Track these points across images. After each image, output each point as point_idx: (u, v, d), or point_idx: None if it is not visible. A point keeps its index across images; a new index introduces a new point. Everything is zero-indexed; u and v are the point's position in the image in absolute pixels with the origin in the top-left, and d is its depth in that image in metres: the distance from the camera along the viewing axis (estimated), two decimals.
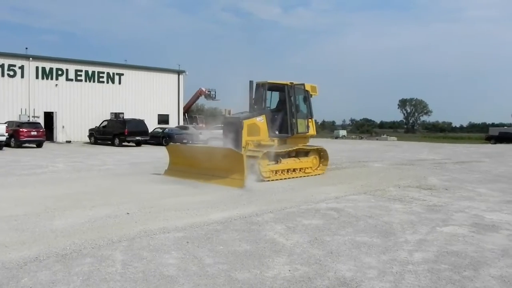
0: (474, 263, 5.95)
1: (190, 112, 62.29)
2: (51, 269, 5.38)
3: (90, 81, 41.60)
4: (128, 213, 8.63)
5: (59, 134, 39.02)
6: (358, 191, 12.21)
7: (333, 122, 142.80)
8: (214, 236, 7.04)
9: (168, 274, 5.30)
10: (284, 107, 16.21)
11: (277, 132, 15.96)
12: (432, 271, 5.60)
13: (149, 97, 45.51)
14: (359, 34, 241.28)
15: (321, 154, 16.92)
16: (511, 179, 15.93)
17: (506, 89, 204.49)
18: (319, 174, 16.27)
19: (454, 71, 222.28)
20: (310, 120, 17.06)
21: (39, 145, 30.72)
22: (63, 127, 39.25)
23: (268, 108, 16.28)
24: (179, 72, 48.46)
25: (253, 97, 15.91)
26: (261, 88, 16.11)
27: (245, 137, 14.68)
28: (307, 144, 17.18)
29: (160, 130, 37.33)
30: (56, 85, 39.29)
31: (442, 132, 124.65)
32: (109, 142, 34.42)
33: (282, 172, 14.95)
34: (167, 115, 47.17)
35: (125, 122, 34.28)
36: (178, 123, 47.02)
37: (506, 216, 9.13)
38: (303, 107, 16.91)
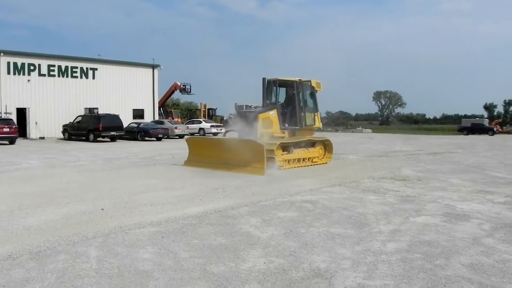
0: (445, 252, 6.07)
1: (165, 106, 62.06)
2: (24, 267, 5.33)
3: (63, 76, 40.99)
4: (103, 209, 8.58)
5: (32, 130, 38.39)
6: (333, 183, 12.33)
7: None
8: (189, 230, 7.04)
9: (143, 269, 5.30)
10: (293, 101, 17.38)
11: (286, 125, 17.15)
12: (405, 260, 5.70)
13: (124, 92, 45.07)
14: (334, 27, 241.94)
15: (326, 145, 18.34)
16: (482, 169, 16.23)
17: (478, 81, 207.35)
18: (325, 163, 17.63)
19: (428, 63, 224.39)
20: (316, 113, 18.41)
21: (11, 141, 30.21)
22: (36, 123, 38.63)
23: (279, 103, 17.41)
24: (153, 67, 48.06)
25: (267, 92, 17.14)
26: (272, 84, 17.33)
27: (260, 129, 15.80)
28: (313, 135, 18.50)
29: (135, 125, 37.10)
30: (29, 80, 38.64)
31: (416, 123, 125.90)
32: (84, 138, 34.08)
33: (293, 161, 16.40)
34: (142, 110, 46.80)
35: (99, 117, 33.93)
36: (154, 117, 46.72)
37: (476, 206, 9.31)
38: (310, 102, 18.14)
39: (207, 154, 15.95)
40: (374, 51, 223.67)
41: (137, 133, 35.73)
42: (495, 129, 64.15)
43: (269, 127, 16.29)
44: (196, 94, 57.91)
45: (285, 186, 11.68)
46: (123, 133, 34.54)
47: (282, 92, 17.90)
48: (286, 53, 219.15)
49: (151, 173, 14.20)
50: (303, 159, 16.92)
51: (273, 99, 17.38)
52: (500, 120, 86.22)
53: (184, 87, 57.43)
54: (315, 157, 17.54)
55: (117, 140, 34.29)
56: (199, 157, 16.16)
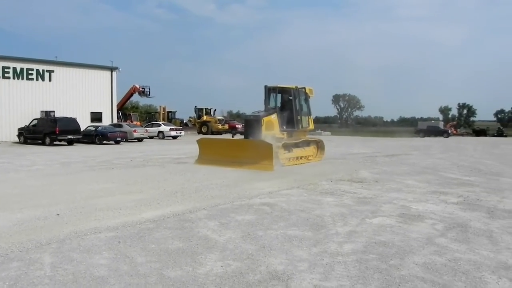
0: (400, 252, 6.20)
1: (124, 109, 61.41)
2: None
3: (18, 79, 39.93)
4: (58, 214, 8.42)
5: None
6: (291, 185, 12.39)
7: None
8: (146, 235, 6.98)
9: (98, 275, 5.23)
10: (289, 106, 19.54)
11: (284, 127, 19.17)
12: (361, 261, 5.79)
13: (81, 95, 44.26)
14: (293, 31, 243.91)
15: (319, 145, 20.64)
16: (437, 170, 16.61)
17: (433, 85, 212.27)
18: (318, 161, 19.75)
19: (385, 67, 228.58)
20: (309, 117, 20.70)
21: None
22: None
23: (278, 107, 19.33)
24: (112, 69, 47.39)
25: (267, 98, 19.30)
26: (272, 91, 19.46)
27: (263, 131, 17.80)
28: (307, 136, 20.78)
29: (93, 128, 36.44)
30: None
31: (374, 126, 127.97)
32: (40, 142, 33.28)
33: (293, 159, 18.46)
34: (100, 113, 46.04)
35: (56, 120, 33.18)
36: (112, 120, 46.06)
37: (431, 206, 9.53)
38: (304, 106, 20.35)
39: (217, 153, 17.84)
40: (332, 54, 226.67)
41: (95, 137, 35.11)
42: (449, 131, 65.83)
43: (271, 129, 18.26)
44: (156, 97, 57.85)
45: (243, 189, 11.68)
46: (80, 136, 33.88)
47: (279, 97, 19.77)
48: (246, 56, 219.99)
49: (108, 177, 14.00)
50: (301, 157, 19.03)
51: (273, 104, 19.36)
52: (455, 122, 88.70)
53: (143, 89, 57.07)
54: (310, 156, 19.78)
55: (75, 144, 33.65)
56: (209, 156, 17.87)
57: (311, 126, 21.00)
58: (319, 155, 20.36)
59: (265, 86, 19.32)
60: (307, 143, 20.03)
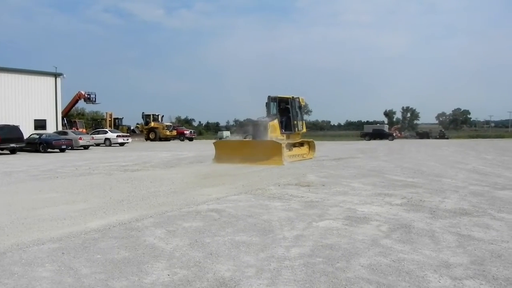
0: (346, 255, 6.27)
1: (69, 116, 60.19)
2: None
3: None
4: None
5: None
6: (239, 191, 12.40)
7: (217, 123, 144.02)
8: (91, 245, 6.82)
9: None
10: (288, 113, 23.99)
11: (283, 130, 23.37)
12: (308, 265, 5.83)
13: (24, 102, 43.09)
14: (243, 36, 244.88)
15: (310, 145, 25.07)
16: (382, 173, 16.97)
17: (378, 89, 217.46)
18: (310, 158, 23.90)
19: (332, 71, 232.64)
20: (302, 121, 25.53)
21: None
22: None
23: (278, 114, 23.44)
24: (56, 75, 46.38)
25: (269, 106, 23.53)
26: (273, 100, 23.61)
27: (269, 133, 21.54)
28: (301, 138, 25.36)
29: (37, 136, 35.55)
30: None
31: (322, 130, 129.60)
32: None
33: (293, 157, 22.09)
34: (44, 120, 44.94)
35: None
36: (57, 128, 45.03)
37: (376, 208, 9.71)
38: (299, 113, 25.00)
39: (232, 152, 20.85)
40: (280, 59, 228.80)
41: (39, 145, 34.28)
42: (394, 134, 67.59)
43: (274, 132, 22.12)
44: (102, 103, 57.07)
45: (191, 195, 11.60)
46: (23, 144, 32.97)
47: (278, 105, 23.68)
48: (195, 61, 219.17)
49: (52, 187, 13.64)
50: (298, 155, 23.04)
51: (274, 111, 23.40)
52: (399, 126, 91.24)
53: (88, 96, 56.26)
54: (304, 154, 24.10)
55: (18, 153, 32.70)
56: (225, 155, 21.02)
57: (304, 129, 25.68)
58: (311, 153, 24.69)
59: (268, 96, 23.55)
60: (302, 143, 24.52)
